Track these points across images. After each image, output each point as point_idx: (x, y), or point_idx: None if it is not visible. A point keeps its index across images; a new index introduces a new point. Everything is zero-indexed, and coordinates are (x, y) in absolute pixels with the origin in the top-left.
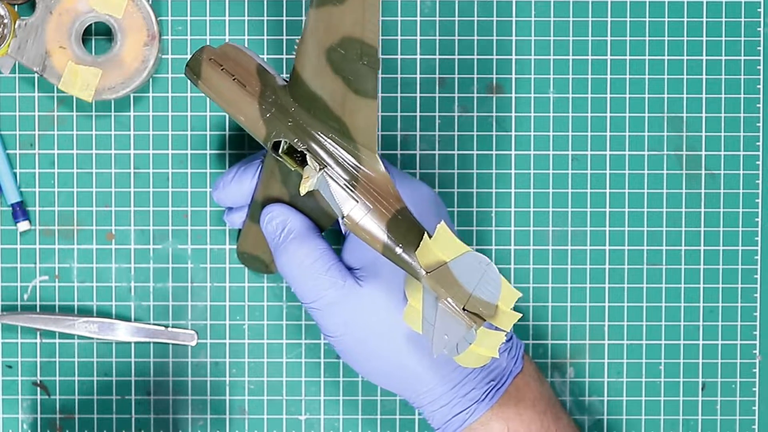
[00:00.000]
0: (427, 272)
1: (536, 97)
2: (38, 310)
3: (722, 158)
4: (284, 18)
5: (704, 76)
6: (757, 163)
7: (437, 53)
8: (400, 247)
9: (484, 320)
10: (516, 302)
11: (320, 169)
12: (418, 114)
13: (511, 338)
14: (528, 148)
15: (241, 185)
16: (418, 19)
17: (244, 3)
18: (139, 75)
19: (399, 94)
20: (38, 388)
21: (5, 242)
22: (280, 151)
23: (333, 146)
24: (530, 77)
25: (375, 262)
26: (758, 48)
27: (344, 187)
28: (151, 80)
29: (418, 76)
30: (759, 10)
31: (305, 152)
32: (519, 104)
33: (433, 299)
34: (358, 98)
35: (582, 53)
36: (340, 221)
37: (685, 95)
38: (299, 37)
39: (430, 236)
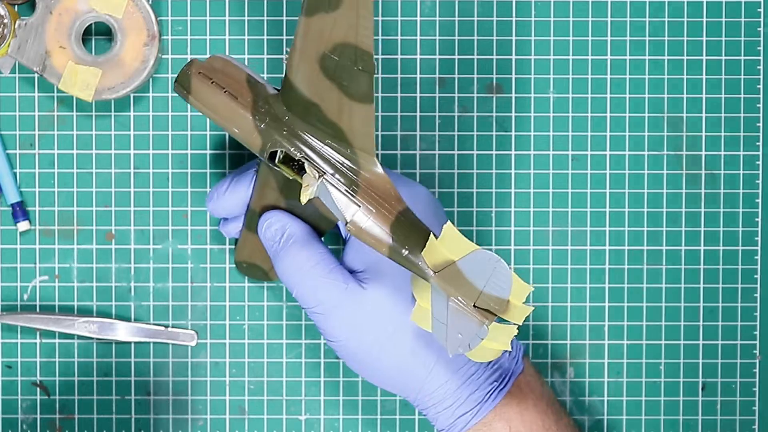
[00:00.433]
0: (435, 272)
1: (536, 97)
2: (38, 310)
3: (722, 158)
4: (284, 18)
5: (704, 76)
6: (757, 163)
7: (437, 53)
8: (406, 249)
9: (495, 316)
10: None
11: (319, 177)
12: (418, 114)
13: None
14: (528, 148)
15: (235, 195)
16: (418, 19)
17: (244, 3)
18: (139, 75)
19: (399, 94)
20: (38, 388)
21: (5, 242)
22: (276, 160)
23: (330, 152)
24: (530, 77)
25: (377, 263)
26: (758, 48)
27: (345, 192)
28: (151, 80)
29: (418, 76)
30: (759, 10)
31: (303, 161)
32: (519, 104)
33: (442, 298)
34: (354, 103)
35: (582, 53)
36: (342, 227)
37: (685, 95)
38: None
39: (435, 236)
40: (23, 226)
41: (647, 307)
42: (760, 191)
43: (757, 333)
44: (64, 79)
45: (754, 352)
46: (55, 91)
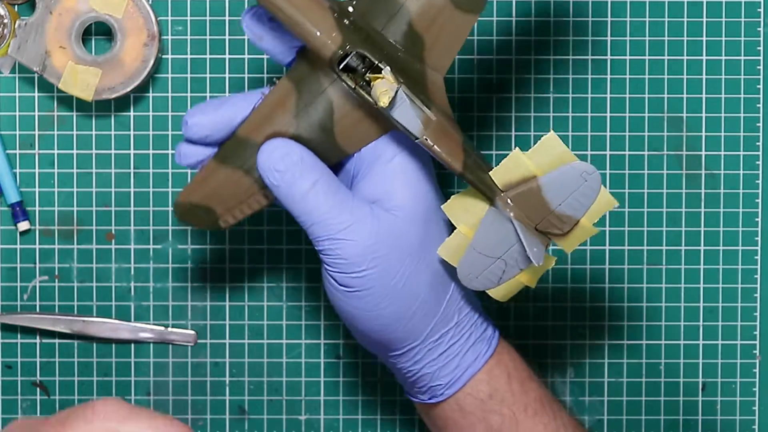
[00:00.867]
0: (503, 192)
1: (536, 97)
2: (38, 310)
3: (722, 158)
4: None
5: (704, 76)
6: (757, 163)
7: None
8: (478, 165)
9: (550, 240)
10: (516, 302)
11: (399, 84)
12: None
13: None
14: (528, 148)
15: (232, 112)
16: None
17: (244, 2)
18: (139, 75)
19: None
20: (38, 388)
21: (5, 242)
22: (345, 66)
23: (403, 64)
24: (530, 77)
25: (392, 195)
26: (758, 48)
27: (421, 104)
28: (151, 80)
29: None
30: (759, 10)
31: (382, 66)
32: (519, 104)
33: (502, 220)
34: (458, 13)
35: (582, 53)
36: (419, 139)
37: (685, 95)
38: None
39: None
40: (23, 226)
41: (647, 307)
42: (760, 191)
43: (757, 333)
44: (64, 79)
45: (754, 352)
46: (55, 91)
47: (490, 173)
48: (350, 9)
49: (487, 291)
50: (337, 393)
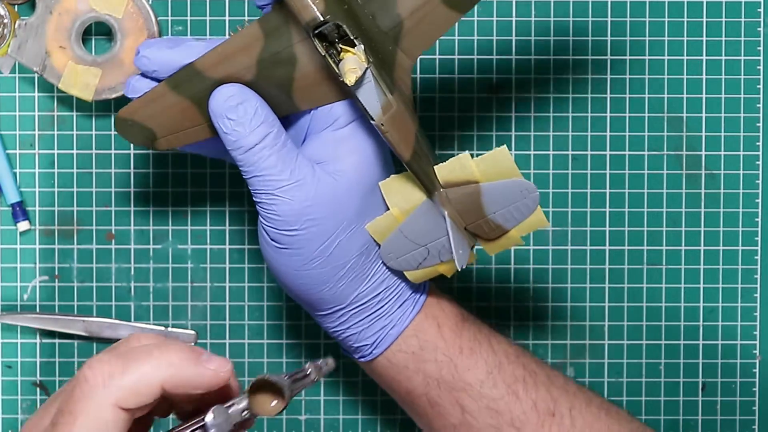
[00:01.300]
0: (443, 188)
1: (536, 97)
2: (38, 310)
3: (722, 158)
4: None
5: (704, 76)
6: (757, 163)
7: (437, 53)
8: (426, 158)
9: (476, 241)
10: (516, 302)
11: (368, 63)
12: (418, 114)
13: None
14: (528, 148)
15: (188, 55)
16: None
17: (244, 3)
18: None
19: None
20: (38, 388)
21: (5, 242)
22: (319, 33)
23: (377, 44)
24: (530, 77)
25: (338, 159)
26: (758, 48)
27: (386, 88)
28: None
29: (418, 76)
30: (759, 10)
31: (356, 43)
32: (519, 104)
33: (434, 215)
34: (444, 8)
35: (582, 53)
36: (375, 122)
37: (685, 95)
38: None
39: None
40: (23, 226)
41: (647, 307)
42: (760, 191)
43: (757, 333)
44: (64, 79)
45: (754, 352)
46: (55, 91)
47: (434, 167)
48: None
49: (403, 272)
50: (337, 393)
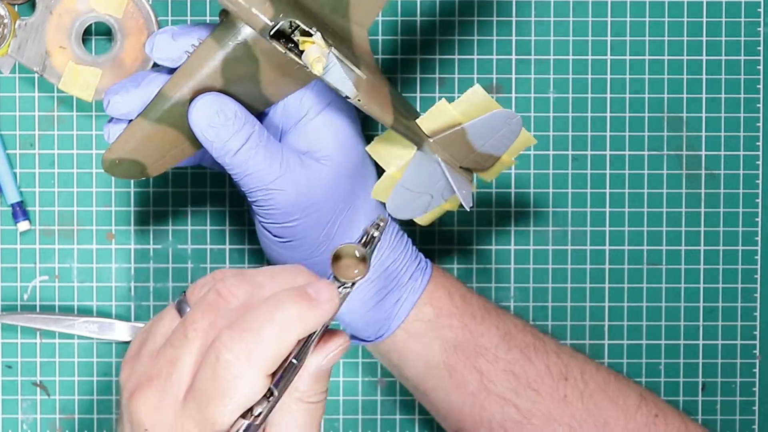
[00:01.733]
0: (430, 138)
1: (536, 97)
2: (38, 310)
3: (722, 158)
4: None
5: (704, 76)
6: (757, 163)
7: (437, 53)
8: (406, 117)
9: (473, 174)
10: (516, 302)
11: (329, 48)
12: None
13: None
14: (528, 148)
15: (155, 89)
16: (418, 18)
17: None
18: None
19: None
20: (38, 388)
21: (5, 242)
22: (275, 34)
23: (331, 24)
24: (530, 77)
25: (320, 146)
26: (758, 48)
27: (352, 64)
28: None
29: (418, 75)
30: (759, 10)
31: (312, 32)
32: (519, 104)
33: (431, 161)
34: None
35: (582, 53)
36: (352, 99)
37: (685, 95)
38: None
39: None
40: (23, 226)
41: (647, 307)
42: (760, 191)
43: (757, 333)
44: (64, 79)
45: (754, 352)
46: (55, 91)
47: (417, 122)
48: None
49: (413, 219)
50: (337, 393)
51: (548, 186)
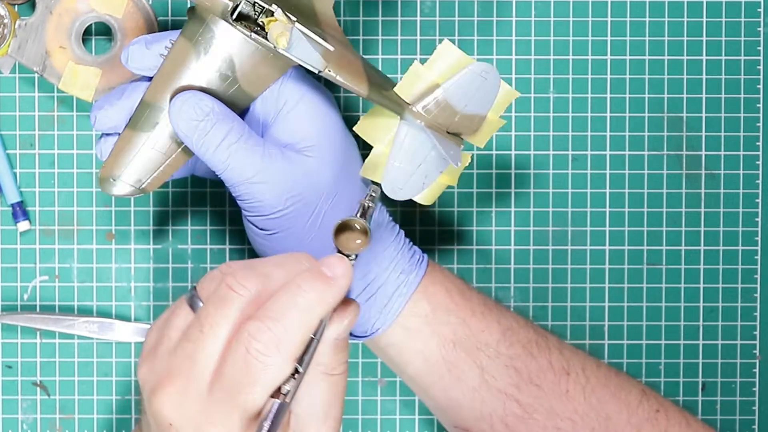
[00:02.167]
0: (410, 105)
1: (536, 97)
2: (38, 310)
3: (722, 158)
4: None
5: (704, 76)
6: (757, 163)
7: None
8: (381, 86)
9: (463, 141)
10: (516, 302)
11: (292, 23)
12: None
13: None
14: (528, 148)
15: (138, 92)
16: (418, 19)
17: None
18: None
19: None
20: (38, 388)
21: (5, 242)
22: (235, 16)
23: (291, 1)
24: (530, 77)
25: (302, 137)
26: (758, 48)
27: (317, 37)
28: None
29: None
30: (759, 10)
31: (273, 9)
32: (519, 104)
33: (416, 130)
34: None
35: (582, 53)
36: (322, 72)
37: (685, 95)
38: None
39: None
40: (23, 226)
41: (647, 307)
42: (760, 191)
43: (757, 333)
44: (64, 79)
45: (754, 352)
46: (55, 91)
47: (394, 90)
48: None
49: (414, 199)
50: None
51: (548, 186)
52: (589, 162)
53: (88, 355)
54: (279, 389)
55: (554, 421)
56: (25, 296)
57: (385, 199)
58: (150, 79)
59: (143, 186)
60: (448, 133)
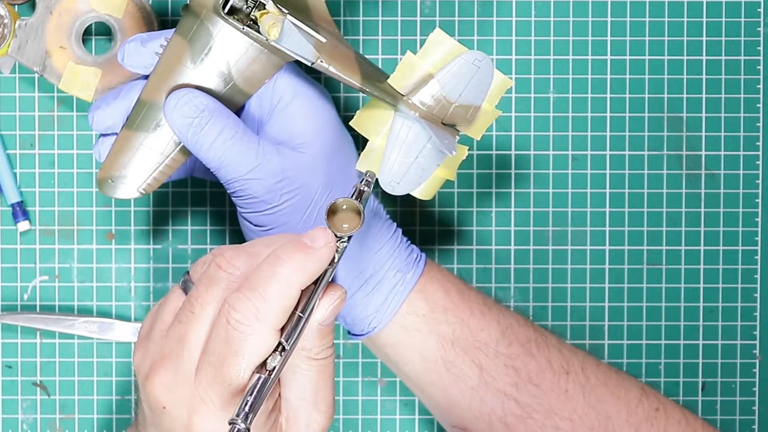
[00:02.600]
0: (404, 96)
1: (536, 97)
2: (38, 310)
3: (722, 158)
4: None
5: (704, 76)
6: (757, 163)
7: None
8: (374, 77)
9: (459, 133)
10: (516, 302)
11: (284, 15)
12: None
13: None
14: (528, 148)
15: (134, 92)
16: (418, 19)
17: None
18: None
19: None
20: (38, 388)
21: (5, 242)
22: (227, 10)
23: None
24: (530, 77)
25: (296, 134)
26: (758, 48)
27: (309, 28)
28: None
29: None
30: (759, 10)
31: (264, 2)
32: (519, 104)
33: (411, 121)
34: None
35: (582, 53)
36: (315, 63)
37: (685, 95)
38: None
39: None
40: (23, 226)
41: (647, 307)
42: (760, 191)
43: (757, 333)
44: (64, 79)
45: (754, 352)
46: (55, 91)
47: (388, 81)
48: None
49: (412, 194)
50: (337, 393)
51: (548, 186)
52: (589, 162)
53: (88, 355)
54: (264, 365)
55: (553, 421)
56: (25, 296)
57: (385, 198)
58: (147, 78)
59: (142, 187)
60: (444, 124)
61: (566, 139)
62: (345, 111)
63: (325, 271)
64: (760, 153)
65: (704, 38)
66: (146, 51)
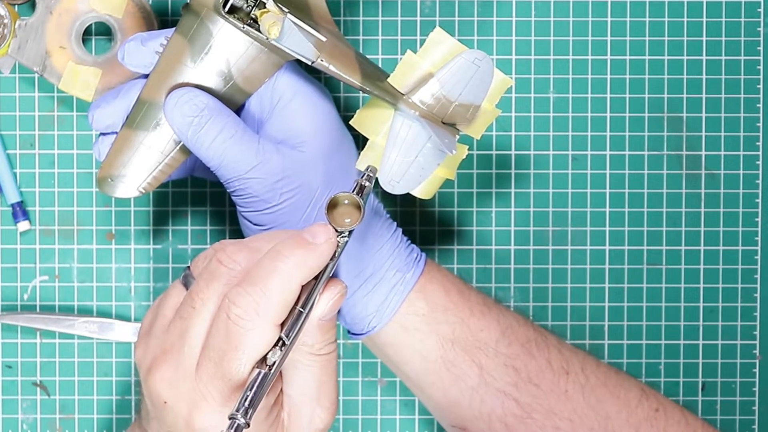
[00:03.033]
0: (404, 95)
1: (536, 97)
2: (38, 310)
3: (722, 158)
4: None
5: (704, 76)
6: (757, 163)
7: None
8: (375, 76)
9: (458, 132)
10: (516, 302)
11: (284, 14)
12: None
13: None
14: (528, 148)
15: (134, 91)
16: (418, 19)
17: None
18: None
19: None
20: (38, 388)
21: (5, 242)
22: (227, 9)
23: None
24: (530, 77)
25: (296, 133)
26: (758, 48)
27: (309, 27)
28: None
29: None
30: (759, 10)
31: (265, 0)
32: (519, 104)
33: (411, 120)
34: None
35: (582, 53)
36: (315, 62)
37: (685, 95)
38: None
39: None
40: (23, 226)
41: (647, 307)
42: (760, 191)
43: (757, 333)
44: (64, 79)
45: (754, 352)
46: (55, 91)
47: (388, 80)
48: None
49: (411, 193)
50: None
51: (548, 186)
52: (589, 162)
53: (88, 355)
54: (265, 360)
55: (553, 421)
56: (25, 296)
57: (385, 198)
58: (147, 77)
59: (142, 186)
60: (444, 123)
61: (566, 139)
62: (345, 110)
63: (326, 267)
64: (760, 153)
65: (704, 38)
66: (146, 50)
